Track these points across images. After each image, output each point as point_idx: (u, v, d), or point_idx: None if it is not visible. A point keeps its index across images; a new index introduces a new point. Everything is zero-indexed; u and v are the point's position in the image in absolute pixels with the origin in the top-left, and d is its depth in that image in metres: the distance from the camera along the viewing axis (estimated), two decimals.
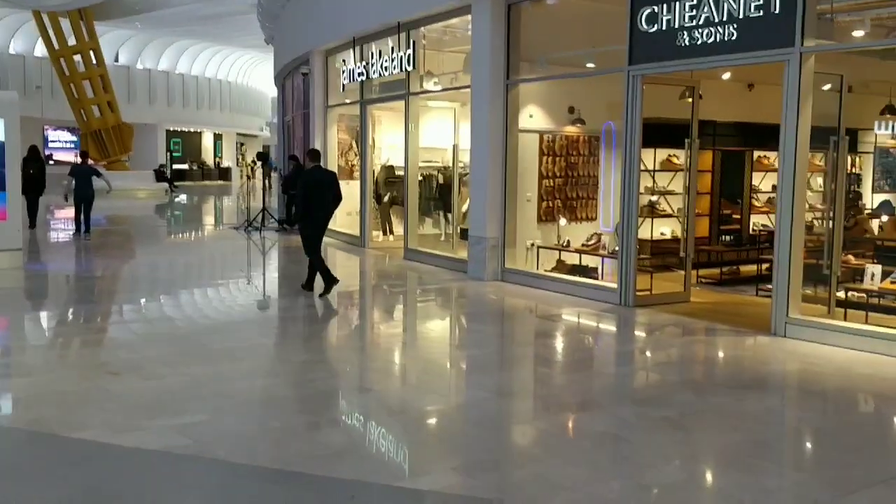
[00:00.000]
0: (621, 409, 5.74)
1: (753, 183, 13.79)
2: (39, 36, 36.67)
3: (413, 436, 5.27)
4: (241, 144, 58.29)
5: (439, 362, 7.56)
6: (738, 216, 13.87)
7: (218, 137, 53.68)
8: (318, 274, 10.32)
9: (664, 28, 9.09)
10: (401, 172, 15.63)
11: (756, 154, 13.95)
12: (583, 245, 11.39)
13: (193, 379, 6.37)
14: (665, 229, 12.46)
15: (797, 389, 6.54)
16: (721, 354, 7.93)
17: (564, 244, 11.68)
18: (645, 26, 9.30)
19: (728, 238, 13.06)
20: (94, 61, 36.46)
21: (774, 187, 14.46)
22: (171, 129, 48.59)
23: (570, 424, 5.44)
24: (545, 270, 11.61)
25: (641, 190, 10.30)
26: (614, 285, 10.00)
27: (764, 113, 13.40)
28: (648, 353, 8.08)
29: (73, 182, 16.82)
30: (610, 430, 5.27)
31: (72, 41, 35.93)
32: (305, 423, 5.39)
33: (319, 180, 10.28)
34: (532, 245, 11.95)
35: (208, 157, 52.60)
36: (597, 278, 11.05)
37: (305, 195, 10.12)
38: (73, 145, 42.43)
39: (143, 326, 8.61)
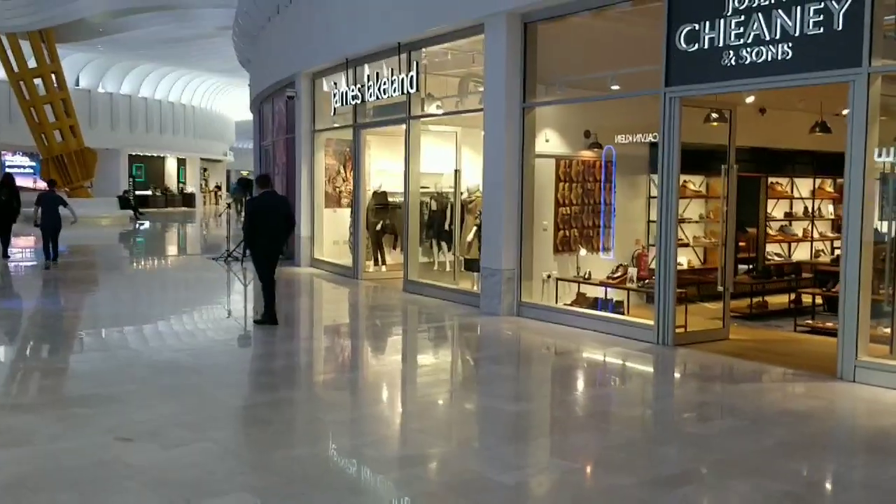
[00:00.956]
0: (732, 483, 4.92)
1: (767, 210, 13.28)
2: None
3: None
4: (205, 170, 57.03)
5: (492, 420, 6.59)
6: (744, 244, 13.31)
7: (181, 163, 52.27)
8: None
9: (706, 47, 8.48)
10: (393, 199, 14.88)
11: (769, 180, 13.48)
12: (608, 277, 10.70)
13: (222, 447, 5.47)
14: (681, 259, 11.84)
15: None
16: (800, 406, 6.94)
17: (586, 276, 10.98)
18: (684, 45, 8.68)
19: (753, 268, 12.44)
20: (56, 84, 35.05)
21: (787, 214, 14.09)
22: (134, 154, 47.14)
23: None
24: (565, 304, 10.90)
25: (654, 218, 9.74)
26: (649, 322, 9.30)
27: (777, 138, 13.00)
28: (721, 406, 7.08)
29: (40, 210, 16.27)
30: None
31: (32, 63, 34.55)
32: None
33: (270, 206, 10.00)
34: (549, 277, 11.23)
35: (171, 182, 51.21)
36: (623, 313, 10.39)
37: (252, 223, 9.83)
38: (32, 170, 40.91)
39: (145, 376, 7.54)
